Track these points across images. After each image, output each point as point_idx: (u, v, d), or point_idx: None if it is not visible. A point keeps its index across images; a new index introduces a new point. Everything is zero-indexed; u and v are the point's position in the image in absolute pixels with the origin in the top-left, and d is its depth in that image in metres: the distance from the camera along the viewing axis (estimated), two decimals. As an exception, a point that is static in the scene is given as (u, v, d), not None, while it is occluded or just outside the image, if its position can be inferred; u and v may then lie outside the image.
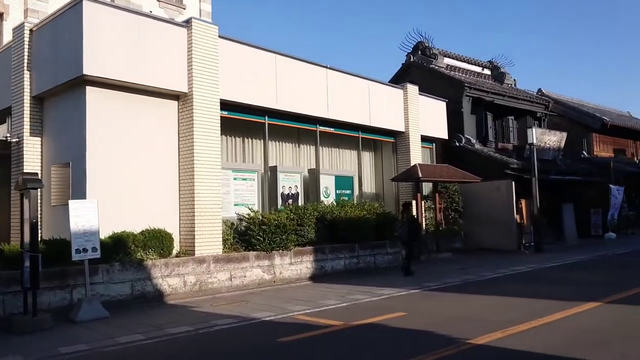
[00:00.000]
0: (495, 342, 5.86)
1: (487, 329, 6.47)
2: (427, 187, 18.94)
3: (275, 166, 13.72)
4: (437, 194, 16.87)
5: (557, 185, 21.56)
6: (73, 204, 8.53)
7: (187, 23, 11.40)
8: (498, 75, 24.59)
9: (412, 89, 17.50)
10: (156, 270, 9.79)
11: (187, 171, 10.98)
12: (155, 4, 25.27)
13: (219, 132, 11.45)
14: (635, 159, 28.28)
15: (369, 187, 17.43)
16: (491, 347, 5.68)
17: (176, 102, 11.30)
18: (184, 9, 26.15)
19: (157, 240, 10.04)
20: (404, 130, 17.20)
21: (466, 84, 19.71)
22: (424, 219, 17.29)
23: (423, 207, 17.36)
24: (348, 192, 15.71)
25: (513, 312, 7.62)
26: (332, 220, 13.04)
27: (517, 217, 18.22)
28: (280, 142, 14.59)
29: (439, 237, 17.28)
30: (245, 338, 6.83)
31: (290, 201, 13.77)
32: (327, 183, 15.04)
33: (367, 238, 13.50)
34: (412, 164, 16.47)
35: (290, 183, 13.95)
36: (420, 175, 15.02)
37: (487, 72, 24.71)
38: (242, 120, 13.03)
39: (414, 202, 16.13)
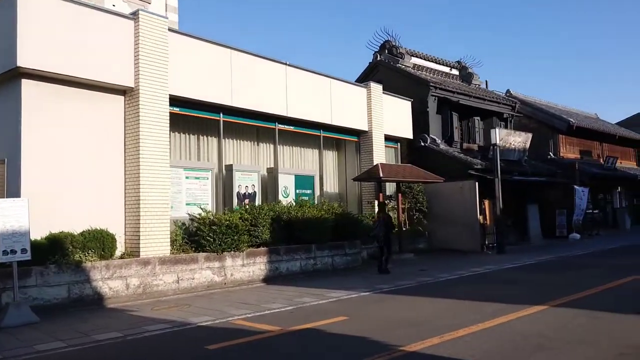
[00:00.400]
0: (429, 349, 5.62)
1: (426, 334, 6.25)
2: (390, 187, 18.79)
3: (231, 165, 13.35)
4: (400, 194, 16.69)
5: (522, 186, 21.61)
6: (0, 204, 8.05)
7: (134, 15, 10.98)
8: (466, 75, 24.58)
9: (376, 87, 17.30)
10: (96, 273, 9.36)
11: (132, 169, 10.55)
12: (119, -2, 24.61)
13: (168, 128, 11.06)
14: (601, 160, 28.56)
15: (331, 186, 17.19)
16: (422, 355, 5.44)
17: (123, 97, 10.87)
18: (149, 3, 25.50)
19: (98, 241, 9.60)
20: (367, 129, 16.99)
21: (432, 84, 19.58)
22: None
23: (386, 207, 17.15)
24: (309, 191, 15.42)
25: (459, 316, 7.41)
26: (289, 221, 12.73)
27: (480, 217, 18.16)
28: (238, 140, 14.23)
29: (402, 238, 17.10)
30: (171, 345, 6.48)
31: (246, 201, 13.42)
32: (286, 182, 14.73)
33: (324, 239, 13.22)
34: (375, 164, 16.26)
35: (247, 182, 13.60)
36: (381, 175, 14.80)
37: (455, 72, 24.67)
38: (196, 117, 12.66)
39: (380, 202, 15.91)
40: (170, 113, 11.29)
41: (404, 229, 17.47)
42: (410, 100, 19.17)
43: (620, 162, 32.23)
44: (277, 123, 14.38)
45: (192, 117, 12.49)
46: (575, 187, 23.73)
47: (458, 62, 25.07)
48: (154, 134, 10.68)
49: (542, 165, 23.06)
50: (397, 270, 13.08)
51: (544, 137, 26.90)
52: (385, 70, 21.18)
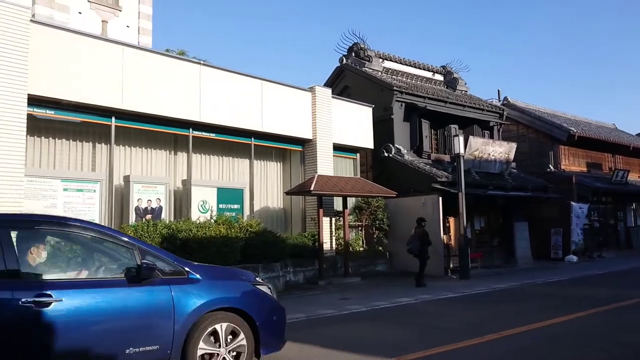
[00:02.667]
0: None
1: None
2: (350, 202, 16.96)
3: (128, 176, 11.88)
4: (345, 210, 14.83)
5: (508, 202, 19.39)
6: None
7: (-12, 6, 9.67)
8: (451, 81, 22.56)
9: (323, 92, 15.59)
10: None
11: (-25, 179, 9.18)
12: (86, 5, 23.83)
13: (24, 133, 9.66)
14: (612, 173, 25.76)
15: (274, 201, 15.51)
16: None
17: (-27, 98, 9.56)
18: (120, 10, 24.65)
19: None
20: (311, 137, 15.26)
21: (396, 88, 17.69)
22: (332, 237, 15.26)
23: (333, 224, 15.34)
24: (236, 206, 13.78)
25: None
26: (186, 241, 11.13)
27: (444, 237, 16.10)
28: (146, 149, 12.77)
29: (349, 260, 15.23)
30: None
31: (148, 217, 11.90)
32: (205, 196, 13.14)
33: (230, 261, 11.52)
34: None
35: (150, 196, 12.08)
36: (311, 188, 13.04)
37: (438, 77, 22.69)
38: (83, 122, 11.27)
39: (419, 217, 14.35)
40: (42, 117, 9.94)
41: (352, 249, 15.57)
42: (370, 107, 17.37)
43: (639, 177, 29.33)
44: (191, 129, 12.85)
45: (83, 122, 11.11)
46: (572, 203, 21.28)
47: (443, 67, 23.08)
48: (5, 139, 9.30)
49: (531, 178, 20.74)
50: (310, 300, 11.26)
51: (544, 148, 24.55)
52: (352, 75, 19.45)
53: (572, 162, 25.12)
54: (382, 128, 18.05)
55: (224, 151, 14.22)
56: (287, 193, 14.03)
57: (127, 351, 4.44)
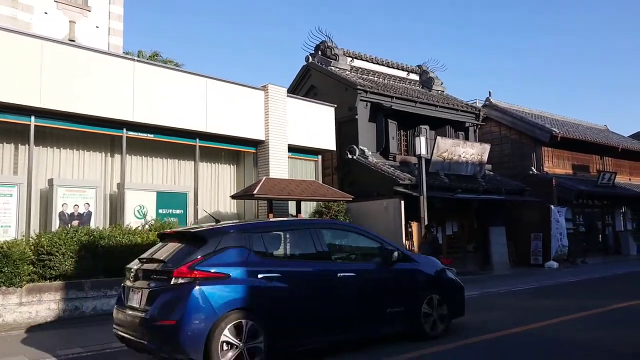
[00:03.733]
0: None
1: None
2: (309, 206, 16.18)
3: (52, 179, 11.14)
4: (299, 215, 14.03)
5: (483, 205, 18.52)
6: None
7: None
8: (427, 80, 21.75)
9: (277, 90, 14.81)
10: None
11: None
12: (53, 5, 23.21)
13: None
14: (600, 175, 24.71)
15: (227, 206, 14.72)
16: None
17: None
18: (89, 10, 23.99)
19: None
20: (264, 138, 14.49)
21: (359, 87, 16.89)
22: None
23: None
24: (179, 212, 13.01)
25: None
26: (110, 249, 10.35)
27: (407, 243, 15.25)
28: (76, 150, 12.02)
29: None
30: None
31: (75, 223, 11.16)
32: (142, 201, 12.37)
33: (159, 270, 10.71)
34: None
35: (77, 200, 11.33)
36: (255, 191, 12.26)
37: (414, 77, 21.88)
38: (1, 123, 10.54)
39: (427, 223, 14.36)
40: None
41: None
42: (332, 106, 16.58)
43: (629, 179, 28.35)
44: (125, 130, 12.10)
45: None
46: (552, 207, 20.37)
47: (419, 66, 22.28)
48: None
49: (507, 181, 19.84)
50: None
51: (526, 150, 23.65)
52: (318, 75, 18.68)
53: (556, 164, 24.18)
54: (348, 129, 17.29)
55: (168, 153, 13.47)
56: (233, 197, 13.24)
57: (387, 310, 6.56)
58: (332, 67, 18.33)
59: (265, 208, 14.37)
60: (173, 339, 5.05)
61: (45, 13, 23.01)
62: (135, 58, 12.32)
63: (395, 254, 6.70)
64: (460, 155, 17.60)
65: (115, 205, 12.25)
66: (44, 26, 22.09)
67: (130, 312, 5.57)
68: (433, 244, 13.81)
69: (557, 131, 22.69)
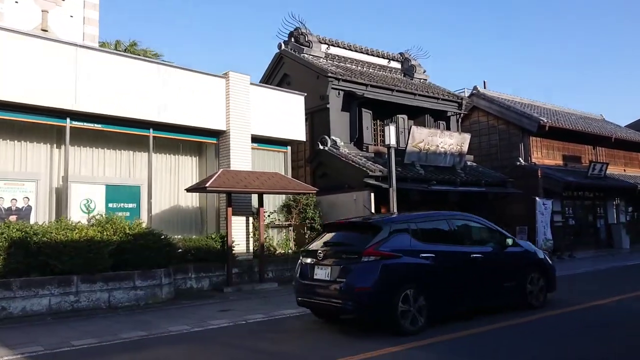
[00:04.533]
0: None
1: None
2: (277, 200, 15.55)
3: (-13, 172, 10.54)
4: (261, 209, 13.37)
5: (465, 198, 17.79)
6: None
7: None
8: (408, 68, 20.98)
9: (239, 78, 14.12)
10: None
11: None
12: (24, -6, 22.54)
13: None
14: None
15: (188, 200, 14.11)
16: None
17: None
18: (63, 0, 23.36)
19: None
20: (225, 128, 13.82)
21: (330, 74, 16.15)
22: (248, 238, 13.82)
23: (251, 224, 13.88)
24: (132, 206, 12.40)
25: None
26: (42, 245, 9.73)
27: (377, 237, 14.53)
28: (17, 142, 11.42)
29: (273, 263, 13.82)
30: None
31: (13, 218, 10.56)
32: (90, 194, 11.76)
33: (98, 268, 10.11)
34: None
35: (15, 194, 10.73)
36: (208, 184, 11.61)
37: (395, 65, 21.10)
38: None
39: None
40: None
41: (271, 252, 14.13)
42: (302, 95, 15.89)
43: (624, 170, 27.50)
44: (69, 120, 11.45)
45: None
46: (537, 199, 19.61)
47: (401, 54, 21.51)
48: None
49: (489, 172, 19.07)
50: (193, 311, 9.83)
51: (513, 140, 22.86)
52: (291, 63, 17.95)
53: (545, 155, 23.37)
54: (320, 119, 16.59)
55: (120, 144, 12.84)
56: (188, 190, 12.57)
57: (504, 284, 8.23)
58: (305, 55, 17.60)
59: (225, 203, 13.73)
60: (367, 301, 6.76)
61: (16, 2, 22.35)
62: (79, 43, 11.63)
63: (509, 240, 8.39)
64: (438, 146, 16.86)
65: (60, 199, 11.63)
66: (15, 16, 21.40)
67: (319, 283, 7.25)
68: None
69: (545, 120, 21.86)
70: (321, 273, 7.29)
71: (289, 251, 15.00)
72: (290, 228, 15.46)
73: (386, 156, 16.52)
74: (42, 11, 22.91)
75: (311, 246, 7.98)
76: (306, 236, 15.37)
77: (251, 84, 14.53)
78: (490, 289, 8.06)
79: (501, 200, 20.01)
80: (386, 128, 14.09)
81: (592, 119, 29.29)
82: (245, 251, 13.72)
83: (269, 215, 14.79)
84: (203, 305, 10.66)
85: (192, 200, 14.26)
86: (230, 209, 12.83)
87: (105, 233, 10.46)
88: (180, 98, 12.93)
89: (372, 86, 17.03)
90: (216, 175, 12.14)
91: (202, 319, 8.86)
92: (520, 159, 22.23)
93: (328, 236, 8.05)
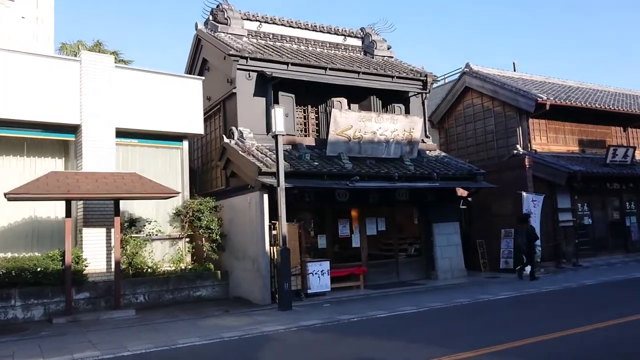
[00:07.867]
0: None
1: None
2: (172, 206, 12.99)
3: None
4: (116, 218, 10.83)
5: (422, 196, 14.39)
6: None
7: None
8: (369, 45, 17.73)
9: (95, 60, 11.70)
10: None
11: None
12: (-31, -4, 21.47)
13: None
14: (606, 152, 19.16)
15: (43, 209, 11.78)
16: None
17: None
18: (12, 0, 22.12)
19: None
20: (78, 122, 11.45)
21: (233, 52, 13.32)
22: (108, 255, 11.32)
23: (112, 236, 11.34)
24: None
25: None
26: None
27: (273, 249, 11.59)
28: None
29: (153, 283, 11.34)
30: None
31: None
32: None
33: None
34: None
35: None
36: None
37: (354, 42, 17.89)
38: None
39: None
40: None
41: (129, 270, 11.54)
42: (199, 79, 13.27)
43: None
44: None
45: None
46: (524, 194, 15.73)
47: (362, 29, 18.27)
48: None
49: (453, 163, 15.33)
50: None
51: (511, 125, 18.92)
52: (208, 45, 15.25)
53: (552, 140, 19.15)
54: (231, 107, 13.86)
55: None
56: (7, 197, 10.15)
57: None
58: (222, 34, 14.88)
59: (89, 211, 11.33)
60: None
61: (-40, 4, 21.44)
62: None
63: None
64: (375, 133, 13.59)
65: None
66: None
67: None
68: (529, 234, 14.43)
69: (544, 98, 17.73)
70: None
71: (180, 268, 12.37)
72: (183, 240, 12.83)
73: (306, 148, 13.52)
74: (-12, 13, 21.89)
75: None
76: (204, 249, 12.70)
77: (119, 67, 12.13)
78: None
79: (487, 198, 16.33)
80: (272, 110, 11.13)
81: (633, 96, 24.28)
82: (105, 270, 11.24)
83: (148, 224, 12.26)
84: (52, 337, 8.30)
85: (52, 210, 11.90)
86: (69, 220, 10.41)
87: None
88: (18, 88, 10.70)
89: (294, 64, 14.02)
90: (42, 179, 9.77)
91: None
92: (518, 146, 18.24)
93: None
